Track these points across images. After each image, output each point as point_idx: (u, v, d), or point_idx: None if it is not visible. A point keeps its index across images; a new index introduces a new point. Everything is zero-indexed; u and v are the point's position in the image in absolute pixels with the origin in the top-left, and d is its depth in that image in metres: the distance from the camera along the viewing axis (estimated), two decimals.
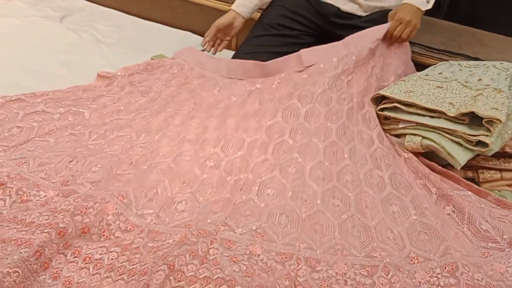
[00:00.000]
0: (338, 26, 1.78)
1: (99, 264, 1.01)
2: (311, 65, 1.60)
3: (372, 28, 1.64)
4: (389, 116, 1.47)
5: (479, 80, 1.46)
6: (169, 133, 1.43)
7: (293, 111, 1.47)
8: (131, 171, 1.26)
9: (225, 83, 1.69)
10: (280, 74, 1.63)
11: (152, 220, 1.14)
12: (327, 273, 1.04)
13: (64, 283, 0.96)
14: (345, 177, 1.31)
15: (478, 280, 1.02)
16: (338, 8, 1.77)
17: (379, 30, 1.62)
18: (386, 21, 1.71)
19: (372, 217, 1.21)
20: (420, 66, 1.75)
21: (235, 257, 1.04)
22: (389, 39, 1.65)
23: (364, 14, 1.76)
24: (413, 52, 1.87)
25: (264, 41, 1.83)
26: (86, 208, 1.09)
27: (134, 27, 2.22)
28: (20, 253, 0.93)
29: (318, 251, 1.10)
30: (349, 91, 1.53)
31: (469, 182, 1.36)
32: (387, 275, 1.04)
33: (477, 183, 1.40)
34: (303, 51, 1.65)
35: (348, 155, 1.38)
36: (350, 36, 1.63)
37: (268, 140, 1.39)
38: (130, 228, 1.11)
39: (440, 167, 1.40)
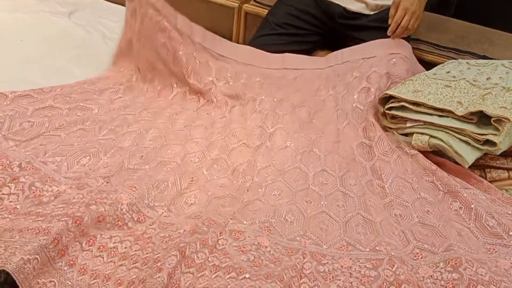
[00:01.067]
0: (345, 26, 1.78)
1: (113, 253, 1.04)
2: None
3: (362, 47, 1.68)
4: (397, 115, 1.47)
5: (488, 79, 1.45)
6: (176, 132, 1.46)
7: (293, 121, 1.53)
8: (142, 167, 1.29)
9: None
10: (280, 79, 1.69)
11: (163, 213, 1.16)
12: (333, 266, 1.06)
13: (79, 270, 0.99)
14: (348, 181, 1.33)
15: (481, 275, 1.03)
16: (344, 9, 1.76)
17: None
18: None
19: (376, 214, 1.22)
20: (428, 64, 1.74)
21: (244, 247, 1.07)
22: (393, 31, 1.63)
23: (371, 13, 1.76)
24: (420, 50, 1.87)
25: (271, 40, 1.83)
26: (101, 199, 1.11)
27: None
28: (39, 240, 0.96)
29: (324, 247, 1.12)
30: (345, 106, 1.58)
31: (480, 178, 1.37)
32: (392, 267, 1.05)
33: None
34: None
35: (348, 167, 1.40)
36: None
37: (271, 146, 1.44)
38: (142, 219, 1.14)
39: (451, 162, 1.40)
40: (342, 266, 1.06)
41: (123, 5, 2.33)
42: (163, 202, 1.19)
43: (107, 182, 1.19)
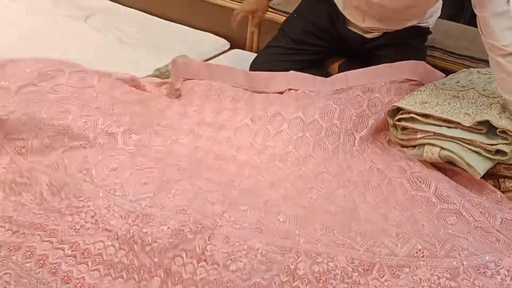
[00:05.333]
0: (361, 48, 1.79)
1: (98, 259, 1.02)
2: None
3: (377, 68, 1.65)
4: (407, 127, 1.45)
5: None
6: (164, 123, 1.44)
7: (283, 138, 1.47)
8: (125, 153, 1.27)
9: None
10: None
11: (146, 204, 1.13)
12: (327, 266, 1.04)
13: (62, 279, 0.97)
14: (338, 198, 1.30)
15: (478, 286, 1.02)
16: (362, 36, 1.76)
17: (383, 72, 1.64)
18: (407, 36, 1.71)
19: (371, 224, 1.19)
20: (442, 72, 1.72)
21: (233, 254, 1.04)
22: None
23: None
24: (435, 57, 1.87)
25: (283, 51, 1.84)
26: (77, 208, 1.10)
27: (157, 27, 2.25)
28: (10, 257, 0.97)
29: (319, 245, 1.09)
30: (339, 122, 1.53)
31: (494, 189, 1.34)
32: (382, 278, 1.04)
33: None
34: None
35: (339, 184, 1.36)
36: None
37: (260, 162, 1.40)
38: (124, 216, 1.10)
39: (465, 172, 1.36)
40: (336, 266, 1.04)
41: (139, 9, 2.38)
42: (146, 194, 1.15)
43: (88, 178, 1.18)
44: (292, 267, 1.02)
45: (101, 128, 1.32)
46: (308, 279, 1.00)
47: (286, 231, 1.11)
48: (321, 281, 1.01)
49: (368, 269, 1.05)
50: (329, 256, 1.06)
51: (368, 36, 1.76)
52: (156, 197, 1.14)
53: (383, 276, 1.04)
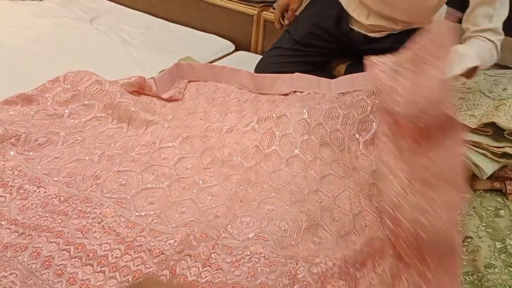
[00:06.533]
0: (366, 50, 1.79)
1: (103, 262, 1.01)
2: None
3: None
4: None
5: (504, 89, 1.42)
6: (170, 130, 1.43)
7: (289, 141, 1.47)
8: (132, 169, 1.27)
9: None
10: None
11: (153, 220, 1.14)
12: (326, 265, 1.04)
13: (68, 280, 0.97)
14: (343, 201, 1.29)
15: None
16: (365, 35, 1.76)
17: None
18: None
19: (374, 228, 1.19)
20: None
21: (237, 262, 1.05)
22: None
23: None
24: None
25: (288, 52, 1.84)
26: (84, 213, 1.10)
27: (161, 29, 2.25)
28: (16, 257, 0.97)
29: (316, 252, 1.10)
30: (343, 128, 1.53)
31: None
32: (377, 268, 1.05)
33: (505, 194, 1.37)
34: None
35: (345, 186, 1.36)
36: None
37: (266, 167, 1.40)
38: (131, 226, 1.11)
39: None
40: (334, 265, 1.04)
41: (144, 11, 2.38)
42: (152, 211, 1.17)
43: (94, 188, 1.19)
44: (293, 272, 1.02)
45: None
46: (307, 281, 1.00)
47: (287, 242, 1.12)
48: (319, 281, 1.01)
49: (364, 264, 1.06)
50: (327, 257, 1.06)
51: (372, 35, 1.75)
52: (162, 214, 1.16)
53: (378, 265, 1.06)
